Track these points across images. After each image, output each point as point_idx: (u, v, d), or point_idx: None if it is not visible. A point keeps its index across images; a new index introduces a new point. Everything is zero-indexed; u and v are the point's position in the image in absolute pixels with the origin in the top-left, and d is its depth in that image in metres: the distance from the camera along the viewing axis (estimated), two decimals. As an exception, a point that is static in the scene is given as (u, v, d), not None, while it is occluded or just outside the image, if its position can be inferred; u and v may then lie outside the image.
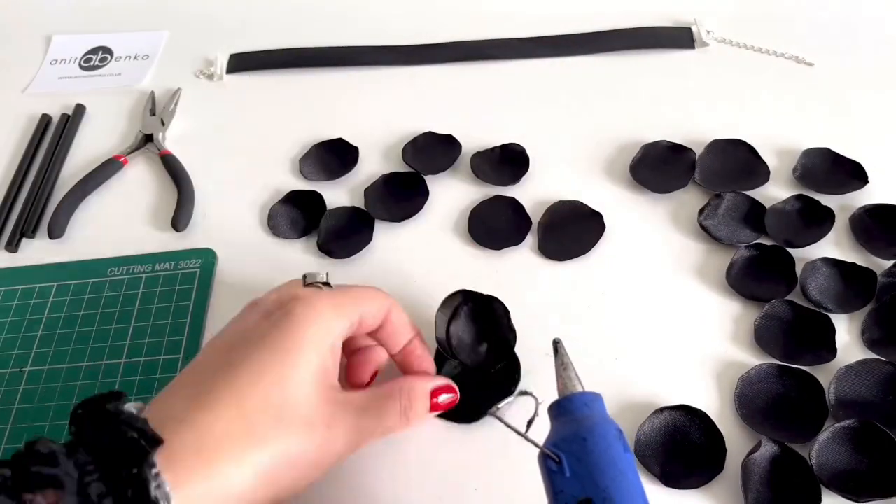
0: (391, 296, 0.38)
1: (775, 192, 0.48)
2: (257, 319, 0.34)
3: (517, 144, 0.53)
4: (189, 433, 0.28)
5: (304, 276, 0.37)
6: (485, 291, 0.43)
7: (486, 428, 0.39)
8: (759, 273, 0.44)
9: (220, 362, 0.32)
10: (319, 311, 0.34)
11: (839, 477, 0.35)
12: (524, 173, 0.51)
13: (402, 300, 0.44)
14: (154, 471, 0.26)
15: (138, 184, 0.56)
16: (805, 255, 0.44)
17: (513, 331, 0.41)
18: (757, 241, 0.45)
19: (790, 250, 0.44)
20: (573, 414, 0.30)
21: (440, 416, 0.39)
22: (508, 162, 0.52)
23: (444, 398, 0.37)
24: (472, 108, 0.58)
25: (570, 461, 0.28)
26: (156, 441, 0.27)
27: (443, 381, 0.38)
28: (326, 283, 0.37)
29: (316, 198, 0.51)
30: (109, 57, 0.66)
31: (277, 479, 0.30)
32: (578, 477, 0.27)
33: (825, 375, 0.39)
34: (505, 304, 0.41)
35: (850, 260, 0.44)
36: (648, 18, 0.62)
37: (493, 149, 0.53)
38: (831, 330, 0.41)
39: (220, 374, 0.31)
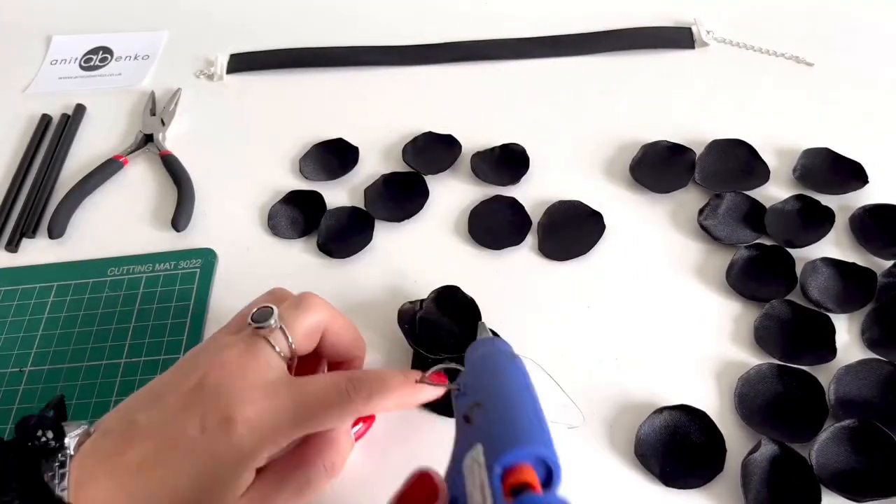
0: (337, 310, 0.37)
1: (775, 192, 0.49)
2: (193, 417, 0.32)
3: (517, 144, 0.53)
4: None
5: (251, 321, 0.34)
6: (484, 291, 0.43)
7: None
8: (759, 273, 0.44)
9: (149, 457, 0.31)
10: (258, 445, 0.31)
11: (839, 477, 0.35)
12: (524, 173, 0.51)
13: (401, 300, 0.44)
14: None
15: (138, 184, 0.56)
16: (805, 255, 0.44)
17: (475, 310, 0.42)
18: (757, 241, 0.45)
19: (790, 250, 0.44)
20: (474, 353, 0.35)
21: (428, 408, 0.39)
22: (508, 162, 0.52)
23: (359, 429, 0.38)
24: (472, 108, 0.58)
25: (467, 383, 0.32)
26: None
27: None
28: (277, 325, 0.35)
29: (316, 198, 0.51)
30: (109, 57, 0.66)
31: None
32: (472, 390, 0.32)
33: (825, 375, 0.39)
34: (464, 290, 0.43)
35: (850, 260, 0.44)
36: (648, 18, 0.62)
37: (493, 149, 0.53)
38: (831, 330, 0.41)
39: (143, 476, 0.31)
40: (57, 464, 0.30)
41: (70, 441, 0.31)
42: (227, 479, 0.31)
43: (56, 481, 0.29)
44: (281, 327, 0.34)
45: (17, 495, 0.28)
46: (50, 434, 0.30)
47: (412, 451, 0.38)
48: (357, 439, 0.38)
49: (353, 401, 0.33)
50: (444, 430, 0.39)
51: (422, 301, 0.44)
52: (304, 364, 0.38)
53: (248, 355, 0.33)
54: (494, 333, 0.41)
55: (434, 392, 0.35)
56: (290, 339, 0.34)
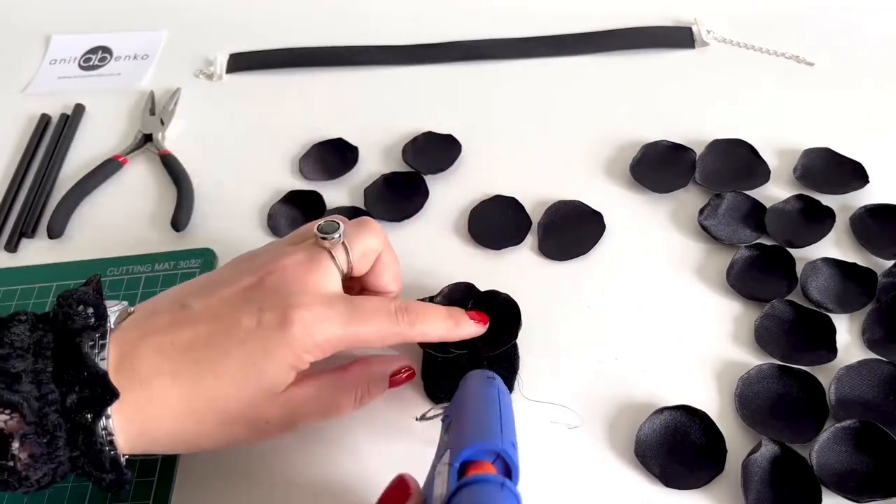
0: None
1: (775, 192, 0.48)
2: (251, 310, 0.33)
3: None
4: (142, 396, 0.31)
5: (318, 232, 0.36)
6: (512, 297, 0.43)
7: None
8: (760, 273, 0.44)
9: (201, 339, 0.32)
10: (309, 347, 0.33)
11: (839, 477, 0.35)
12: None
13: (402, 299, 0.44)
14: (103, 423, 0.30)
15: (138, 184, 0.55)
16: (805, 255, 0.44)
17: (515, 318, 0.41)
18: (757, 241, 0.45)
19: (790, 250, 0.44)
20: (462, 384, 0.36)
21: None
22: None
23: (401, 377, 0.38)
24: (472, 108, 0.57)
25: (451, 410, 0.34)
26: (113, 396, 0.30)
27: (400, 362, 0.38)
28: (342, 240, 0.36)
29: (316, 198, 0.51)
30: (109, 57, 0.66)
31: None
32: (452, 412, 0.33)
33: (825, 375, 0.39)
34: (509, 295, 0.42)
35: (850, 260, 0.44)
36: (648, 18, 0.62)
37: None
38: (831, 330, 0.41)
39: (191, 354, 0.32)
40: (98, 334, 0.31)
41: (111, 316, 0.33)
42: (272, 374, 0.33)
43: (96, 352, 0.31)
44: (343, 243, 0.36)
45: (51, 363, 0.30)
46: (90, 310, 0.32)
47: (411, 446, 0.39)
48: (392, 386, 0.38)
49: (399, 323, 0.35)
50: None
51: (432, 297, 0.44)
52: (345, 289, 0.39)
53: (309, 263, 0.35)
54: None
55: (474, 328, 0.39)
56: (350, 256, 0.36)
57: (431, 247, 0.48)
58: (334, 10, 0.67)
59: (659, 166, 0.51)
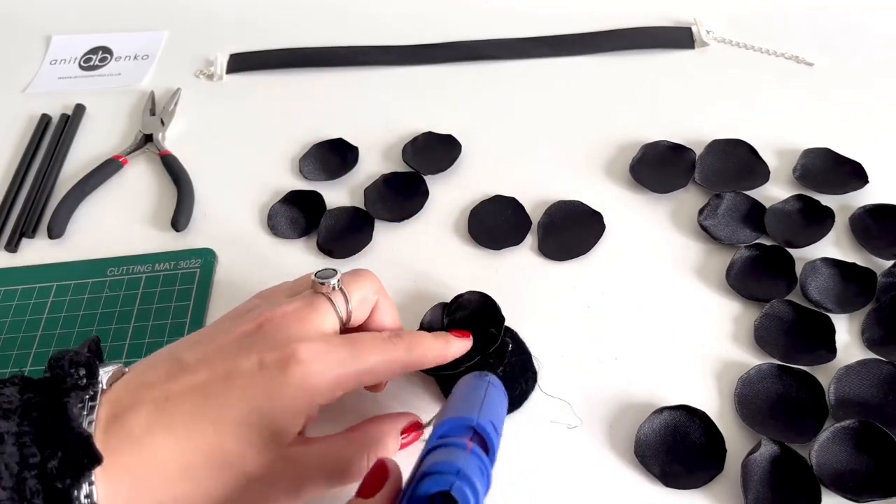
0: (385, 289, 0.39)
1: (775, 192, 0.48)
2: (249, 354, 0.32)
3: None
4: (133, 458, 0.29)
5: (315, 277, 0.36)
6: (484, 291, 0.43)
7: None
8: (759, 273, 0.44)
9: (197, 390, 0.31)
10: (315, 385, 0.32)
11: (839, 477, 0.35)
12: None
13: (402, 300, 0.44)
14: (86, 490, 0.27)
15: (138, 184, 0.56)
16: (805, 255, 0.44)
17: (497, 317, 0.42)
18: (757, 241, 0.45)
19: (790, 250, 0.44)
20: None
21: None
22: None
23: (409, 438, 0.37)
24: (472, 108, 0.58)
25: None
26: (95, 461, 0.27)
27: (408, 417, 0.37)
28: (339, 287, 0.36)
29: (316, 198, 0.51)
30: (109, 57, 0.66)
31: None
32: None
33: (825, 375, 0.39)
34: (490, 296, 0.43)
35: (850, 260, 0.44)
36: (648, 18, 0.62)
37: None
38: (831, 330, 0.41)
39: (186, 407, 0.30)
40: (88, 396, 0.30)
41: (103, 376, 0.31)
42: (278, 419, 0.31)
43: (84, 413, 0.29)
44: (342, 289, 0.36)
45: (34, 426, 0.28)
46: (83, 371, 0.30)
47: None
48: (402, 448, 0.37)
49: (397, 348, 0.35)
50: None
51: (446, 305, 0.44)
52: None
53: (308, 308, 0.34)
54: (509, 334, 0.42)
55: (462, 344, 0.39)
56: (350, 303, 0.36)
57: (431, 247, 0.48)
58: (335, 10, 0.67)
59: (659, 166, 0.51)
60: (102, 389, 0.30)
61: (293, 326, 0.33)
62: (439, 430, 0.28)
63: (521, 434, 0.38)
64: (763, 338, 0.41)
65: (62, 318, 0.46)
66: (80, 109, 0.61)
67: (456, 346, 0.39)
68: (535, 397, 0.40)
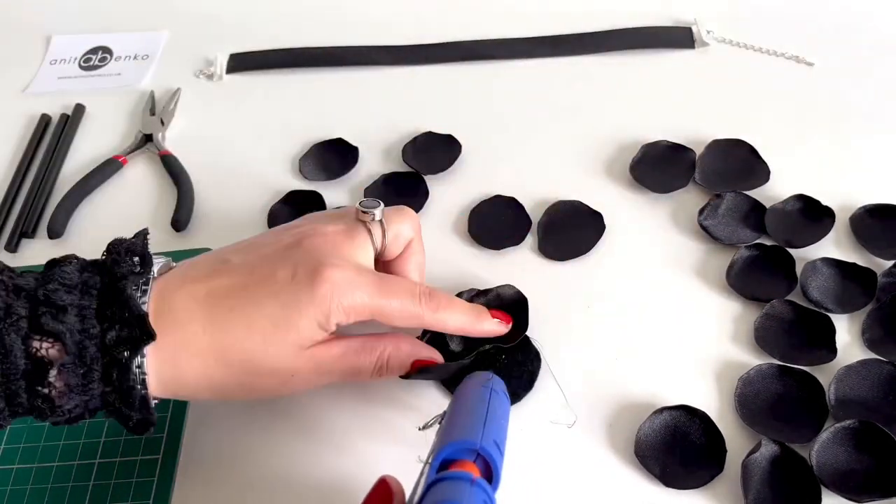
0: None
1: (775, 192, 0.48)
2: (286, 265, 0.35)
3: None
4: (176, 340, 0.33)
5: (359, 206, 0.38)
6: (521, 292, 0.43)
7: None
8: (759, 273, 0.44)
9: (236, 289, 0.34)
10: (335, 305, 0.34)
11: (839, 477, 0.35)
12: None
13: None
14: (138, 361, 0.31)
15: (138, 184, 0.56)
16: (805, 255, 0.44)
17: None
18: (757, 241, 0.45)
19: (790, 250, 0.44)
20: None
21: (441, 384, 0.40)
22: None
23: (421, 365, 0.39)
24: (472, 108, 0.58)
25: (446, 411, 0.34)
26: (150, 337, 0.31)
27: (428, 352, 0.39)
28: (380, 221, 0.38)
29: (316, 198, 0.51)
30: (109, 57, 0.66)
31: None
32: (445, 414, 0.33)
33: (825, 375, 0.39)
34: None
35: (850, 260, 0.44)
36: (648, 18, 0.62)
37: None
38: (831, 330, 0.41)
39: (225, 302, 0.34)
40: (142, 280, 0.33)
41: (154, 266, 0.35)
42: (300, 327, 0.34)
43: (138, 295, 0.33)
44: (381, 221, 0.38)
45: (96, 301, 0.32)
46: (136, 259, 0.34)
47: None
48: (413, 367, 0.38)
49: (421, 306, 0.37)
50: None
51: (481, 293, 0.44)
52: None
53: (347, 234, 0.37)
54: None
55: (496, 326, 0.40)
56: (386, 237, 0.38)
57: (431, 247, 0.48)
58: (334, 11, 0.67)
59: (659, 166, 0.51)
60: (153, 277, 0.34)
61: (330, 248, 0.36)
62: (443, 452, 0.28)
63: (521, 434, 0.38)
64: (763, 338, 0.41)
65: (62, 318, 0.46)
66: (80, 109, 0.61)
67: (488, 324, 0.39)
68: (535, 397, 0.40)
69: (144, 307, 0.32)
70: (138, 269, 0.34)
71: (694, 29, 0.61)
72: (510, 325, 0.40)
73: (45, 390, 0.30)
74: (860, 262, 0.43)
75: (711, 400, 0.39)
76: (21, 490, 0.39)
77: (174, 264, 0.37)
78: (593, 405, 0.40)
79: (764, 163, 0.50)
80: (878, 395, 0.38)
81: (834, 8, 0.61)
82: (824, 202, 0.47)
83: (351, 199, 0.52)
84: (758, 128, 0.52)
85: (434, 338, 0.42)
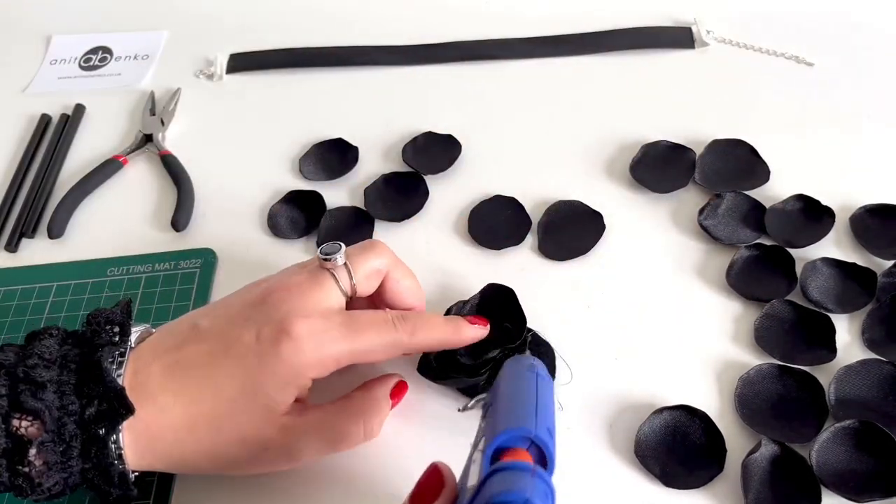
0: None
1: (775, 192, 0.48)
2: (250, 326, 0.34)
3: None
4: (150, 413, 0.32)
5: (320, 254, 0.36)
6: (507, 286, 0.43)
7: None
8: (759, 273, 0.44)
9: (203, 355, 0.33)
10: (305, 361, 0.33)
11: (839, 477, 0.35)
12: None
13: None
14: (114, 437, 0.31)
15: (138, 184, 0.55)
16: (805, 255, 0.44)
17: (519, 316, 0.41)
18: (757, 241, 0.45)
19: (790, 250, 0.44)
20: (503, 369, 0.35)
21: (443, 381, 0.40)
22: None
23: (398, 393, 0.39)
24: (472, 108, 0.58)
25: (491, 394, 0.33)
26: (129, 411, 0.31)
27: (393, 378, 0.39)
28: (345, 264, 0.37)
29: (316, 198, 0.51)
30: (109, 57, 0.66)
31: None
32: (490, 399, 0.32)
33: (825, 375, 0.39)
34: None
35: (850, 260, 0.44)
36: (648, 18, 0.62)
37: None
38: (831, 330, 0.41)
39: (192, 372, 0.33)
40: (118, 352, 0.33)
41: (133, 335, 0.34)
42: (270, 390, 0.33)
43: (114, 367, 0.32)
44: (346, 264, 0.36)
45: (75, 375, 0.32)
46: (116, 329, 0.34)
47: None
48: (392, 408, 0.38)
49: (398, 331, 0.35)
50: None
51: (465, 302, 0.43)
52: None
53: (312, 282, 0.35)
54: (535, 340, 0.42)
55: (475, 332, 0.38)
56: (353, 278, 0.36)
57: (431, 247, 0.48)
58: (334, 11, 0.67)
59: (659, 166, 0.51)
60: (131, 347, 0.34)
61: (294, 301, 0.34)
62: (497, 440, 0.28)
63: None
64: (763, 338, 0.41)
65: (62, 318, 0.46)
66: (80, 109, 0.61)
67: (468, 332, 0.38)
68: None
69: (120, 380, 0.32)
70: (116, 339, 0.33)
71: (694, 29, 0.61)
72: (488, 326, 0.39)
73: (26, 469, 0.30)
74: (860, 262, 0.43)
75: (711, 400, 0.39)
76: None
77: (153, 330, 0.36)
78: (593, 405, 0.40)
79: (764, 163, 0.50)
80: (878, 395, 0.38)
81: (834, 8, 0.61)
82: (824, 202, 0.47)
83: (351, 199, 0.52)
84: (758, 128, 0.52)
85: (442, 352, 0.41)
